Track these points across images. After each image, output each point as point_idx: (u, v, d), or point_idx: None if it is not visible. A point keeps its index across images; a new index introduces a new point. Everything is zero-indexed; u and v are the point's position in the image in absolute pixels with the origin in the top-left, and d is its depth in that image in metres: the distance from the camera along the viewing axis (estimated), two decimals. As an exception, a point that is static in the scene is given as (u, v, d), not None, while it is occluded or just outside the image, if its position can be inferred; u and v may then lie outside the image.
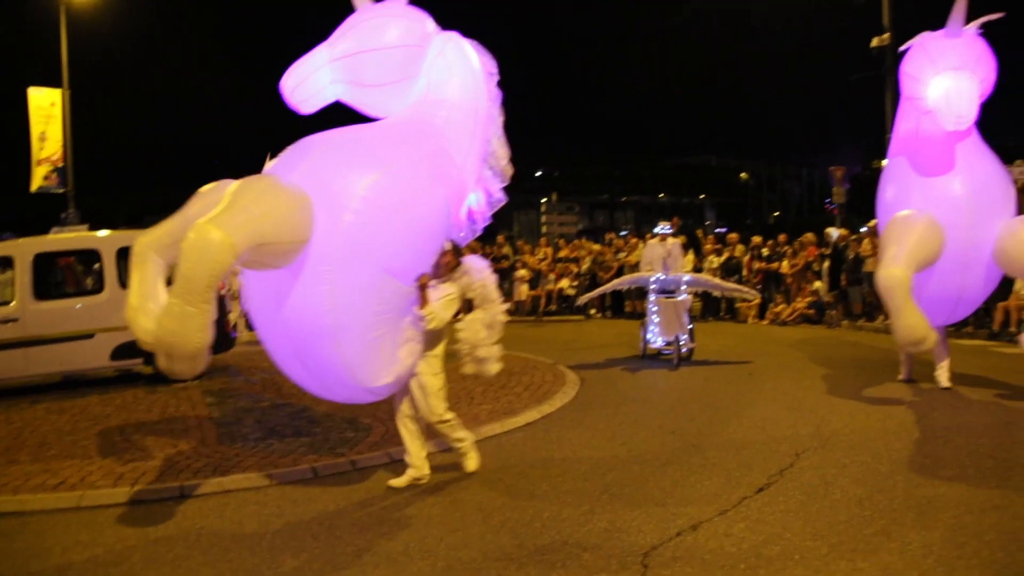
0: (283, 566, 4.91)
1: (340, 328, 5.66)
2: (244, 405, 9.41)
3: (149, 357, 11.16)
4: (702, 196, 70.49)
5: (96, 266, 11.53)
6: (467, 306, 6.73)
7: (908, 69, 8.73)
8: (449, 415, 6.47)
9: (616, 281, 13.73)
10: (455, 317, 6.55)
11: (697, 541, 5.04)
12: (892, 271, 7.77)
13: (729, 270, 17.68)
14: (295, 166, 5.83)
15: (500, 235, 22.79)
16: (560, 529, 5.33)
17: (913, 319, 7.66)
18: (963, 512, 5.38)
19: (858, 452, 6.88)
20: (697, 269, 17.24)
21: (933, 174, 8.50)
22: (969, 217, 8.21)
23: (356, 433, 7.85)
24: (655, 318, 12.01)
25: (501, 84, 7.15)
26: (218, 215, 5.11)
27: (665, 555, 4.84)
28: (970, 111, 7.98)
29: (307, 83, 6.31)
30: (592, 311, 19.06)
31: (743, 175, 73.64)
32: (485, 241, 23.12)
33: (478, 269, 6.65)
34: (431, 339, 6.31)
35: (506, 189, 7.49)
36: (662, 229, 13.63)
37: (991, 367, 10.52)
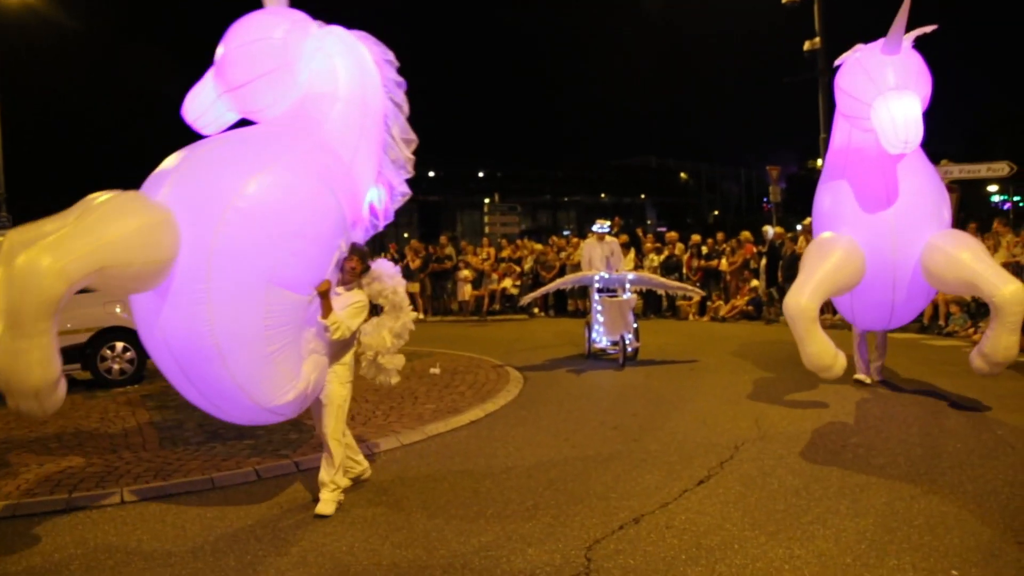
0: (227, 571, 4.86)
1: (227, 348, 5.22)
2: (186, 409, 9.27)
3: (87, 362, 11.00)
4: (643, 196, 71.16)
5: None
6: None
7: (844, 86, 8.21)
8: (346, 437, 6.11)
9: (559, 281, 13.53)
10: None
11: (639, 534, 5.13)
12: (797, 301, 7.54)
13: (669, 268, 17.91)
14: (166, 177, 5.44)
15: (443, 235, 22.77)
16: (505, 525, 5.37)
17: (817, 347, 7.42)
18: (894, 499, 5.56)
19: (795, 444, 7.05)
20: (637, 267, 17.43)
21: (863, 195, 8.21)
22: (895, 240, 8.00)
23: (300, 435, 7.81)
24: (600, 317, 11.92)
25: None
26: (53, 239, 4.71)
27: (608, 548, 4.92)
28: (917, 135, 7.54)
29: (206, 115, 6.10)
30: (535, 310, 19.17)
31: (683, 175, 74.59)
32: (428, 242, 23.12)
33: (388, 275, 6.43)
34: (338, 350, 5.94)
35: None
36: (599, 228, 13.52)
37: (922, 359, 10.85)
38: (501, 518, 5.51)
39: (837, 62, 8.46)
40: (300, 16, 6.17)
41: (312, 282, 5.53)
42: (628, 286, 12.22)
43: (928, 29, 8.07)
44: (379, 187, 6.62)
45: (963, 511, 5.26)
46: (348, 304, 5.87)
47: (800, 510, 5.43)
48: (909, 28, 7.86)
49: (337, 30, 6.50)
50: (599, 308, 11.92)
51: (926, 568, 4.45)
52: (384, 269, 6.45)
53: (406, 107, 6.74)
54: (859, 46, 8.28)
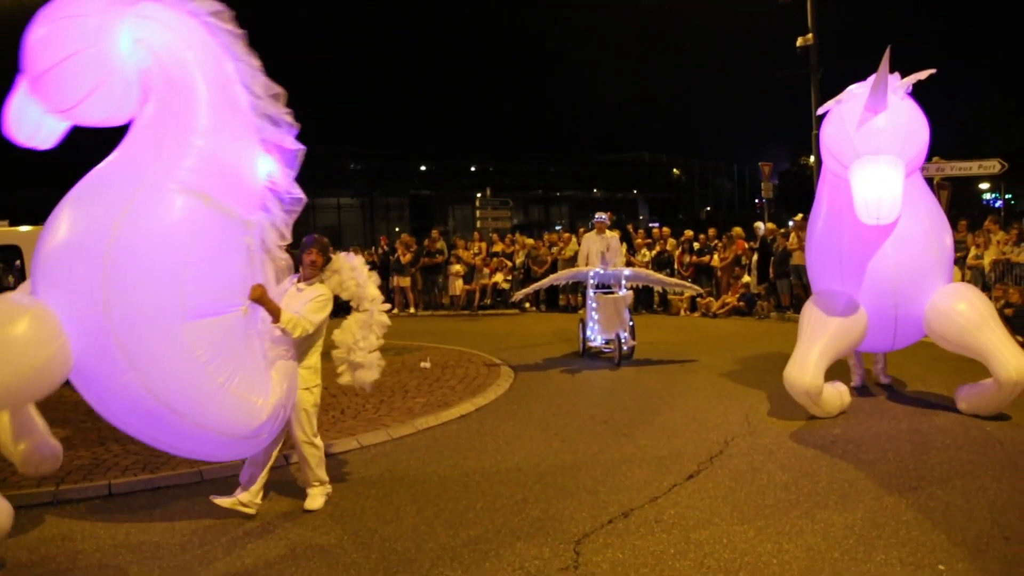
0: (215, 563, 4.86)
1: (178, 403, 4.83)
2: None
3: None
4: (636, 192, 71.20)
5: (17, 263, 11.20)
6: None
7: (825, 141, 7.70)
8: (318, 440, 5.84)
9: (553, 276, 13.13)
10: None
11: (628, 527, 5.14)
12: (802, 380, 7.39)
13: (660, 264, 17.92)
14: (38, 261, 4.91)
15: (434, 230, 22.73)
16: (493, 519, 5.37)
17: (827, 408, 7.59)
18: (883, 494, 5.57)
19: (784, 439, 7.07)
20: (628, 263, 17.41)
21: (860, 244, 7.71)
22: (896, 295, 7.65)
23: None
24: (595, 315, 11.57)
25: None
26: None
27: (597, 542, 4.92)
28: (891, 212, 6.99)
29: (22, 123, 5.22)
30: (527, 305, 19.15)
31: (675, 171, 74.61)
32: (420, 236, 23.08)
33: (351, 267, 6.09)
34: (303, 351, 5.73)
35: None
36: (599, 218, 13.19)
37: (912, 355, 10.85)
38: (490, 512, 5.51)
39: (821, 110, 7.96)
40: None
41: (233, 295, 5.10)
42: (624, 282, 11.97)
43: (924, 75, 7.49)
44: (269, 154, 5.70)
45: (951, 507, 5.28)
46: (310, 299, 5.65)
47: (789, 505, 5.44)
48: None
49: (151, 6, 5.27)
50: (594, 305, 11.59)
51: (913, 563, 4.46)
52: (347, 261, 6.13)
53: (255, 61, 5.64)
54: (850, 89, 7.66)
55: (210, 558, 4.91)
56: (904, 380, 9.35)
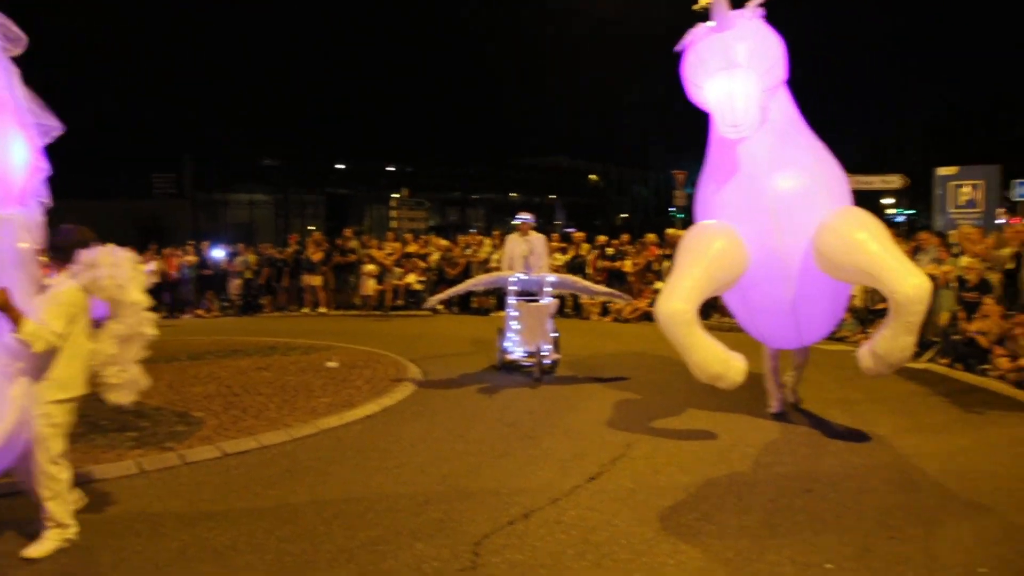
0: (100, 565, 4.68)
1: None
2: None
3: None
4: (553, 196, 71.60)
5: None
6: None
7: (686, 71, 7.28)
8: (62, 469, 4.89)
9: (470, 282, 11.80)
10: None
11: (528, 529, 5.13)
12: (669, 305, 6.58)
13: (574, 268, 18.04)
14: None
15: (347, 229, 22.46)
16: (394, 520, 5.30)
17: (701, 354, 6.55)
18: (778, 496, 5.69)
19: (686, 442, 7.17)
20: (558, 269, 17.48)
21: (735, 179, 7.21)
22: (778, 223, 6.94)
23: (187, 427, 7.57)
24: (514, 324, 10.56)
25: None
26: None
27: (496, 543, 4.90)
28: (745, 117, 6.65)
29: None
30: (439, 307, 19.06)
31: (593, 177, 75.30)
32: (335, 235, 22.77)
33: (112, 262, 5.05)
34: (43, 362, 4.80)
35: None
36: (522, 219, 12.18)
37: (811, 362, 11.14)
38: (391, 513, 5.44)
39: (677, 47, 7.38)
40: None
41: None
42: (548, 289, 10.86)
43: (756, 3, 7.10)
44: (21, 132, 4.85)
45: (841, 508, 5.42)
46: (51, 302, 4.81)
47: (687, 507, 5.52)
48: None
49: None
50: (514, 314, 10.58)
51: (804, 562, 4.56)
52: (109, 255, 5.09)
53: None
54: (698, 27, 7.28)
55: (95, 561, 4.72)
56: (802, 385, 9.56)
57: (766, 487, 5.90)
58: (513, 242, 12.10)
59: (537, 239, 12.00)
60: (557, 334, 10.82)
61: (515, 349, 10.63)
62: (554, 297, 10.99)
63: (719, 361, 6.56)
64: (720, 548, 4.79)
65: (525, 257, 11.47)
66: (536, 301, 10.68)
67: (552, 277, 11.03)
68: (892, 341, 6.37)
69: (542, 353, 10.24)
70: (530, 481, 6.10)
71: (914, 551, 4.71)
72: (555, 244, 19.31)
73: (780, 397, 8.33)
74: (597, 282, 16.42)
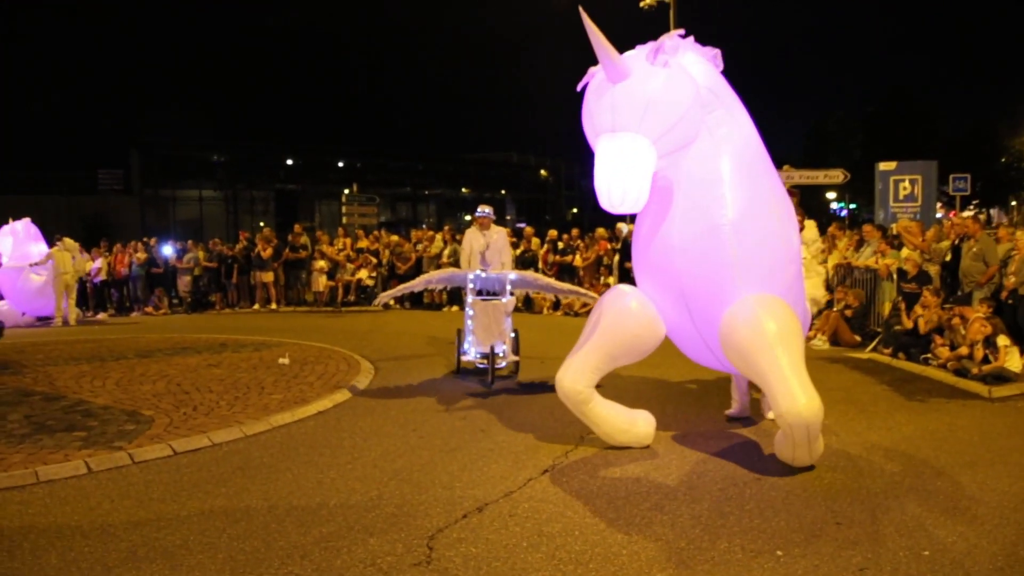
0: (47, 568, 4.59)
1: None
2: (10, 399, 8.72)
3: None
4: (503, 192, 71.67)
5: None
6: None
7: (583, 119, 6.25)
8: None
9: (423, 278, 10.84)
10: None
11: (483, 522, 5.14)
12: (566, 386, 6.55)
13: (525, 263, 18.10)
14: None
15: (298, 225, 22.28)
16: (347, 516, 5.29)
17: (605, 428, 6.66)
18: (728, 485, 5.78)
19: (638, 433, 7.22)
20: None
21: (651, 229, 6.51)
22: (687, 300, 6.30)
23: (137, 426, 7.46)
24: (470, 323, 9.91)
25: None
26: None
27: (451, 536, 4.91)
28: (625, 198, 5.66)
29: None
30: (391, 302, 19.00)
31: (543, 172, 75.50)
32: (285, 231, 22.55)
33: None
34: None
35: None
36: (480, 212, 11.46)
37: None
38: (344, 508, 5.42)
39: (581, 84, 6.31)
40: None
41: None
42: (509, 288, 10.13)
43: (676, 34, 6.10)
44: None
45: (790, 495, 5.52)
46: None
47: (640, 497, 5.58)
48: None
49: None
50: (470, 313, 9.92)
51: (754, 549, 4.64)
52: None
53: None
54: (596, 66, 6.10)
55: (41, 563, 4.63)
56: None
57: (716, 476, 5.99)
58: (471, 237, 11.49)
59: (498, 234, 11.44)
60: (515, 333, 10.22)
61: (470, 349, 9.97)
62: (512, 296, 10.24)
63: (622, 432, 6.70)
64: (672, 537, 4.85)
65: (482, 253, 11.02)
66: (495, 299, 9.98)
67: (513, 275, 10.20)
68: (788, 451, 5.95)
69: (496, 354, 9.70)
70: (484, 475, 6.12)
71: (861, 535, 4.82)
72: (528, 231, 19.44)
73: (741, 402, 7.80)
74: (549, 276, 16.42)
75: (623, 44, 6.02)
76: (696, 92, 5.91)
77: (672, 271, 6.27)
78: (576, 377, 6.49)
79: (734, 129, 6.26)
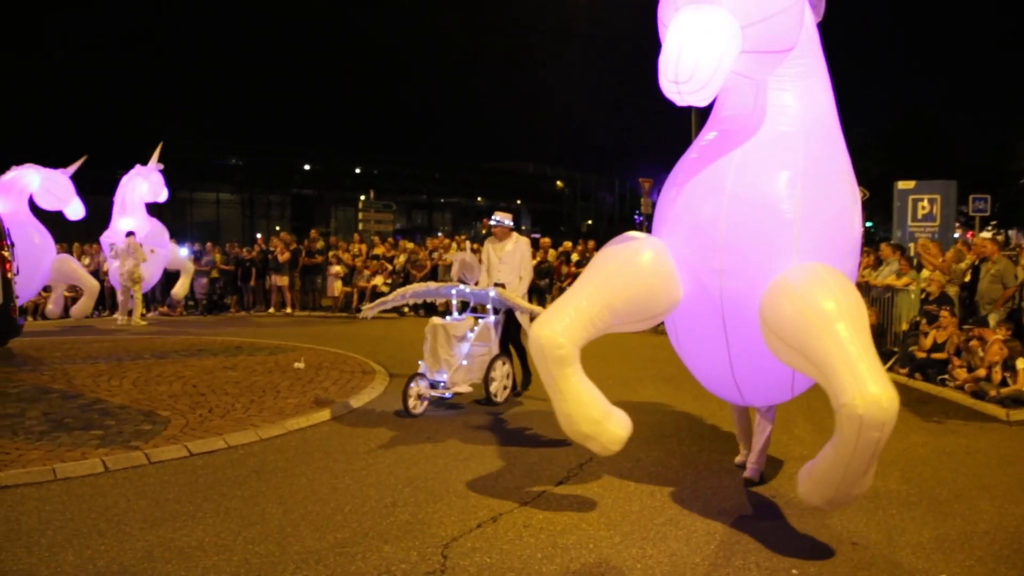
0: (64, 564, 4.62)
1: None
2: (29, 396, 8.78)
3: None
4: (519, 201, 71.82)
5: None
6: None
7: (659, 9, 5.04)
8: None
9: (399, 292, 9.50)
10: None
11: (497, 532, 5.14)
12: (545, 333, 5.02)
13: (541, 274, 18.11)
14: None
15: (314, 230, 22.36)
16: (361, 522, 5.30)
17: (572, 407, 5.08)
18: (744, 502, 5.77)
19: (652, 448, 7.22)
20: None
21: (693, 186, 5.28)
22: (722, 261, 5.04)
23: (153, 426, 7.49)
24: (426, 345, 8.77)
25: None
26: None
27: (465, 546, 4.91)
28: (694, 73, 4.40)
29: None
30: (405, 309, 19.02)
31: (559, 183, 75.62)
32: (300, 235, 22.64)
33: None
34: None
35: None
36: (495, 220, 9.88)
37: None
38: (358, 515, 5.43)
39: None
40: None
41: None
42: (490, 305, 9.06)
43: None
44: None
45: (805, 514, 5.49)
46: None
47: (654, 511, 5.56)
48: None
49: None
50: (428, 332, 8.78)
51: (769, 567, 4.62)
52: None
53: None
54: None
55: (58, 561, 4.66)
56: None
57: (732, 493, 5.97)
58: (486, 249, 9.94)
59: (514, 244, 9.69)
60: (465, 362, 8.68)
61: (427, 371, 8.66)
62: (495, 315, 9.14)
63: (590, 421, 5.09)
64: (687, 552, 4.84)
65: (463, 268, 9.54)
66: (459, 319, 9.02)
67: (492, 291, 8.86)
68: (841, 461, 4.34)
69: (439, 381, 8.53)
70: (498, 484, 6.12)
71: (876, 556, 4.80)
72: (546, 241, 19.45)
73: (744, 443, 6.63)
74: (562, 288, 16.45)
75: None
76: None
77: (710, 242, 5.05)
78: (562, 328, 5.01)
79: (819, 85, 5.32)
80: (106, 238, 17.44)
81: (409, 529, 5.18)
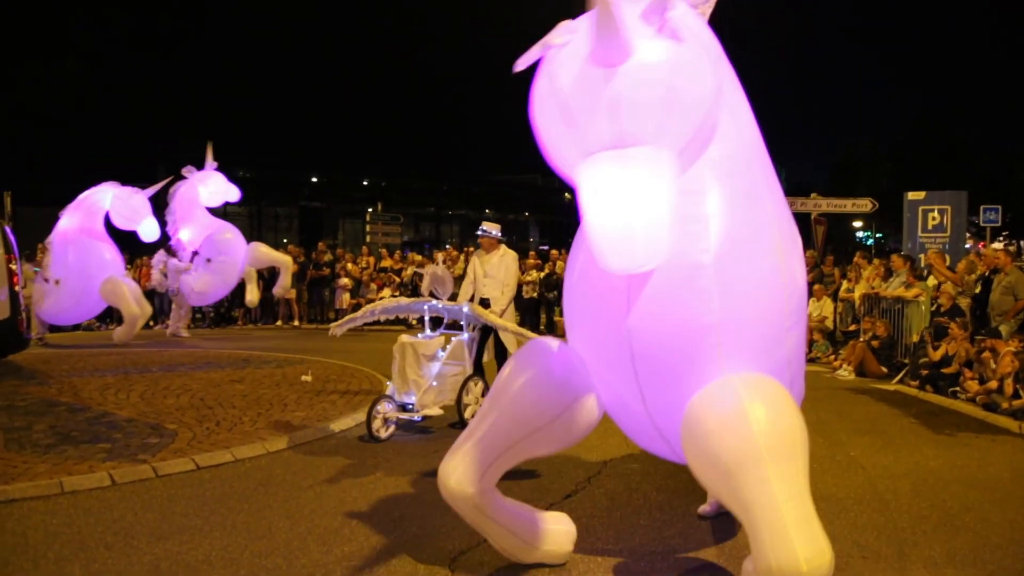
0: (69, 579, 4.62)
1: None
2: (36, 409, 8.79)
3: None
4: (527, 214, 71.83)
5: None
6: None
7: (537, 128, 3.89)
8: None
9: (367, 308, 8.87)
10: None
11: (505, 545, 5.11)
12: (448, 484, 4.49)
13: (549, 286, 18.09)
14: None
15: (322, 242, 22.38)
16: (368, 535, 5.28)
17: (502, 543, 4.69)
18: (753, 515, 5.72)
19: (661, 461, 7.14)
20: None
21: (584, 292, 4.50)
22: (637, 373, 4.19)
23: (160, 439, 7.49)
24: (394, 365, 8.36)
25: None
26: None
27: (472, 559, 4.89)
28: (647, 253, 3.48)
29: None
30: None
31: (567, 195, 75.60)
32: (308, 248, 22.67)
33: None
34: None
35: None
36: (482, 230, 9.57)
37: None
38: (366, 528, 5.41)
39: (519, 64, 3.83)
40: None
41: None
42: (464, 322, 8.75)
43: None
44: None
45: (816, 528, 5.45)
46: None
47: (663, 524, 5.54)
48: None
49: None
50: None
51: (779, 582, 4.57)
52: None
53: None
54: (563, 26, 3.82)
55: (64, 574, 4.65)
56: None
57: (741, 506, 5.93)
58: (472, 263, 9.61)
59: (499, 258, 9.39)
60: (436, 382, 8.28)
61: (396, 394, 8.23)
62: (470, 333, 8.86)
63: (526, 550, 4.72)
64: (697, 567, 4.82)
65: (433, 283, 8.87)
66: (428, 337, 8.64)
67: (466, 307, 8.60)
68: None
69: (408, 403, 8.13)
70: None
71: (887, 570, 4.76)
72: (531, 261, 19.36)
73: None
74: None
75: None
76: (716, 70, 3.87)
77: (618, 327, 4.10)
78: (464, 476, 4.46)
79: (727, 120, 4.11)
80: (161, 255, 17.13)
81: (417, 543, 5.16)
